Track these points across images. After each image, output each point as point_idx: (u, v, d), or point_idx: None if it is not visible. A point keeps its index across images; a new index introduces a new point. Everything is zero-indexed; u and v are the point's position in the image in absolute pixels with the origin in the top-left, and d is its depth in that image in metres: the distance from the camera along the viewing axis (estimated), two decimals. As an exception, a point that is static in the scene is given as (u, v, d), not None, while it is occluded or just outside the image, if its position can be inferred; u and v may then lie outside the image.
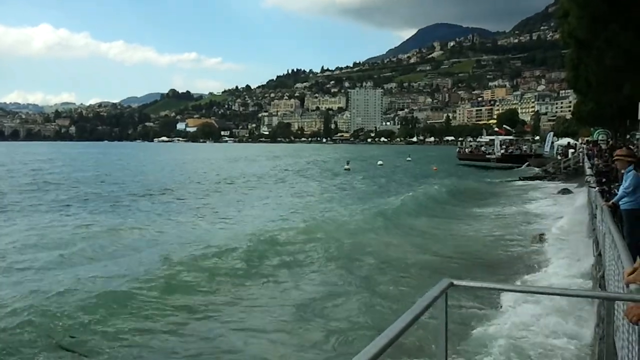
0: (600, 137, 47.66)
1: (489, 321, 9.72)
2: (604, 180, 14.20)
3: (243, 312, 11.36)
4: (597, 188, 13.06)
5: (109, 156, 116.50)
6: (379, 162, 78.63)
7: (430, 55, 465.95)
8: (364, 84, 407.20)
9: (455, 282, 3.13)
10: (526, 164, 60.13)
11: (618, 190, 9.65)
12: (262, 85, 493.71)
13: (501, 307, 10.25)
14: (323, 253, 16.51)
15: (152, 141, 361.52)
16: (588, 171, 23.78)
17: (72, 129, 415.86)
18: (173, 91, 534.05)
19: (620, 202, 8.84)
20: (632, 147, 25.14)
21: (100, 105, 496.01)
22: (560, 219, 20.60)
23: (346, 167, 67.39)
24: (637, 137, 41.05)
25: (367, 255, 16.31)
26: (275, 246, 17.28)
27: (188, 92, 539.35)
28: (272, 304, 11.94)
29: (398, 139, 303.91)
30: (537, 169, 51.87)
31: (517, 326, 9.06)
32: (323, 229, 20.31)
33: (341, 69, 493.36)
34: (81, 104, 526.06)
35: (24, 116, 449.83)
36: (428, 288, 2.98)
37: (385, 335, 2.17)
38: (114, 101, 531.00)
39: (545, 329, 8.76)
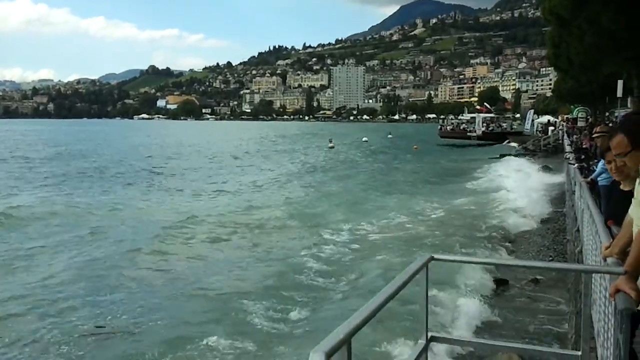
0: (580, 115, 48.03)
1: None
2: (582, 157, 14.34)
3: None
4: (576, 165, 13.20)
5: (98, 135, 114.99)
6: (364, 139, 79.71)
7: (413, 33, 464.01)
8: (346, 61, 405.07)
9: (436, 256, 3.18)
10: (506, 141, 60.53)
11: (596, 167, 9.75)
12: (244, 62, 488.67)
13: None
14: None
15: (132, 118, 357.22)
16: (567, 148, 24.01)
17: (51, 106, 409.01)
18: (153, 68, 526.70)
19: (598, 179, 8.92)
20: (610, 124, 25.40)
21: (78, 82, 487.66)
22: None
23: (330, 145, 67.20)
24: (616, 115, 41.49)
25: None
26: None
27: (168, 68, 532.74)
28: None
29: (380, 117, 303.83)
30: (517, 146, 52.23)
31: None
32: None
33: (323, 45, 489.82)
34: (59, 80, 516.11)
35: (0, 93, 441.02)
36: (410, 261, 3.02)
37: (369, 306, 2.19)
38: (93, 78, 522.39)
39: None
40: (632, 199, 3.07)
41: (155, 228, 17.54)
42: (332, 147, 64.93)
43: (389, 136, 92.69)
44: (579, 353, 3.31)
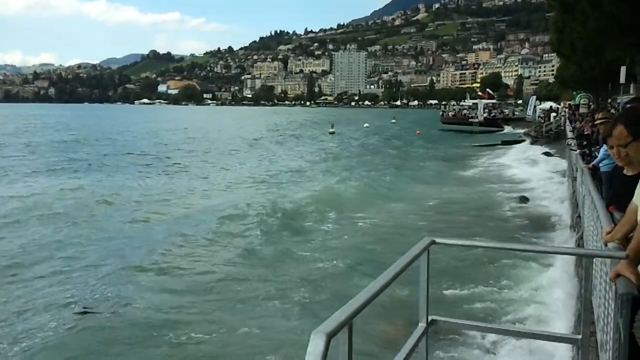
0: (582, 101, 47.80)
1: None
2: (584, 143, 14.30)
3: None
4: (577, 151, 13.17)
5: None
6: (365, 125, 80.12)
7: (415, 18, 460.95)
8: (348, 46, 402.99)
9: (437, 240, 3.18)
10: (508, 127, 60.44)
11: (598, 153, 9.73)
12: (245, 47, 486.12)
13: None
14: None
15: (133, 103, 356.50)
16: (569, 134, 23.94)
17: (52, 90, 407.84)
18: (154, 52, 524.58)
19: (600, 165, 8.91)
20: (612, 110, 25.32)
21: (79, 66, 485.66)
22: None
23: (331, 130, 66.95)
24: (619, 101, 41.27)
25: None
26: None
27: (169, 53, 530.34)
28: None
29: (382, 103, 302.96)
30: (519, 132, 52.13)
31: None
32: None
33: (325, 30, 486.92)
34: (60, 65, 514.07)
35: (1, 77, 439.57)
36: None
37: (370, 289, 2.20)
38: (94, 62, 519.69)
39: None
40: (638, 185, 3.06)
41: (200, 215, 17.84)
42: (332, 133, 64.73)
43: (392, 121, 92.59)
44: (579, 337, 3.32)
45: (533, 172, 25.24)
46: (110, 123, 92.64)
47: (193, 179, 26.84)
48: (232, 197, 21.19)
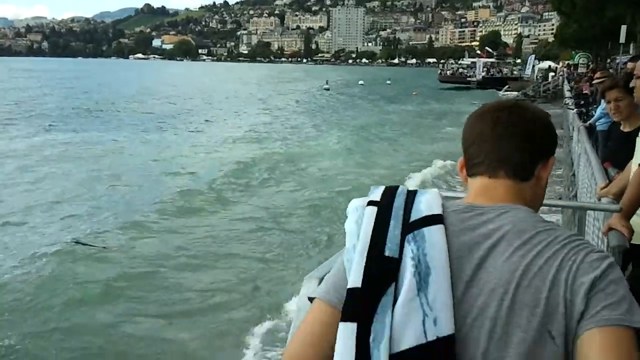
0: (581, 61, 47.40)
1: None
2: (582, 102, 14.25)
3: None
4: (575, 110, 13.13)
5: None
6: (360, 82, 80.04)
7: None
8: (346, 2, 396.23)
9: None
10: (506, 87, 60.03)
11: (595, 112, 9.71)
12: (241, 2, 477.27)
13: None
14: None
15: (128, 58, 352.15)
16: (567, 94, 23.83)
17: (45, 44, 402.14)
18: (148, 6, 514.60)
19: (597, 123, 8.90)
20: (611, 70, 25.14)
21: (73, 20, 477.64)
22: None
23: (325, 86, 67.38)
24: (617, 61, 40.97)
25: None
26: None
27: (163, 7, 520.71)
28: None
29: (379, 61, 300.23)
30: (516, 92, 51.83)
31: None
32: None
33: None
34: (53, 18, 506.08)
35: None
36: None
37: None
38: (87, 16, 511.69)
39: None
40: (637, 138, 3.04)
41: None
42: (327, 89, 65.06)
43: (388, 82, 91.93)
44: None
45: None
46: (121, 82, 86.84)
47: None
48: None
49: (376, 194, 1.11)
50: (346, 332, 0.99)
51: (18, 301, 8.16)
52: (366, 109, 42.81)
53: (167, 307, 8.13)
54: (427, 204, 1.07)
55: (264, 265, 9.71)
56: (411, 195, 1.09)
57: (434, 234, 1.02)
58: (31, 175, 16.70)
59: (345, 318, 1.00)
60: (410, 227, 1.03)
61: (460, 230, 1.04)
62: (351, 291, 1.01)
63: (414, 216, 1.05)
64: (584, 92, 15.78)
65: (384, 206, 1.08)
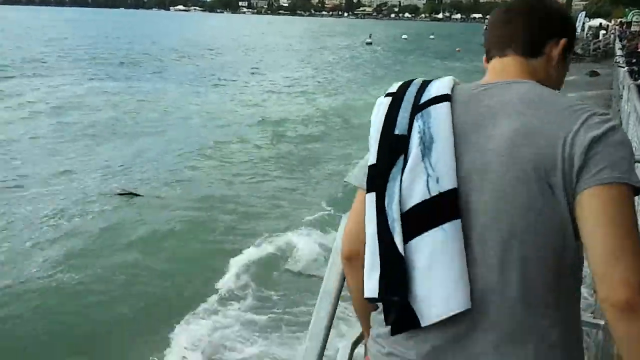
0: (634, 19, 45.41)
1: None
2: (634, 60, 13.84)
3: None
4: (626, 68, 12.79)
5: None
6: (404, 36, 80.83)
7: None
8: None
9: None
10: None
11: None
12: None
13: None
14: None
15: (169, 10, 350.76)
16: (618, 52, 23.01)
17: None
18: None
19: (648, 83, 8.72)
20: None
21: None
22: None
23: (368, 40, 67.28)
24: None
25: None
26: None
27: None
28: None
29: (423, 15, 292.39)
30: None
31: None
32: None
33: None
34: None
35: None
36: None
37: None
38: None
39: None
40: None
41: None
42: (369, 44, 64.64)
43: (431, 37, 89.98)
44: (602, 322, 3.44)
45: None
46: (162, 34, 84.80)
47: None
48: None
49: (394, 87, 1.26)
50: (369, 202, 1.17)
51: (85, 241, 9.00)
52: (411, 64, 42.37)
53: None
54: (437, 87, 1.18)
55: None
56: (425, 84, 1.21)
57: (439, 110, 1.14)
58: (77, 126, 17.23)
59: (368, 190, 1.18)
60: (420, 107, 1.18)
61: (465, 104, 1.15)
62: (370, 168, 1.19)
63: (424, 99, 1.18)
64: (637, 50, 15.30)
65: (398, 95, 1.22)
